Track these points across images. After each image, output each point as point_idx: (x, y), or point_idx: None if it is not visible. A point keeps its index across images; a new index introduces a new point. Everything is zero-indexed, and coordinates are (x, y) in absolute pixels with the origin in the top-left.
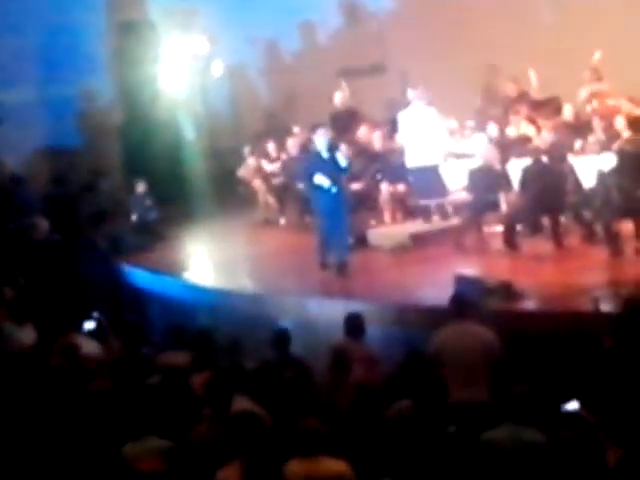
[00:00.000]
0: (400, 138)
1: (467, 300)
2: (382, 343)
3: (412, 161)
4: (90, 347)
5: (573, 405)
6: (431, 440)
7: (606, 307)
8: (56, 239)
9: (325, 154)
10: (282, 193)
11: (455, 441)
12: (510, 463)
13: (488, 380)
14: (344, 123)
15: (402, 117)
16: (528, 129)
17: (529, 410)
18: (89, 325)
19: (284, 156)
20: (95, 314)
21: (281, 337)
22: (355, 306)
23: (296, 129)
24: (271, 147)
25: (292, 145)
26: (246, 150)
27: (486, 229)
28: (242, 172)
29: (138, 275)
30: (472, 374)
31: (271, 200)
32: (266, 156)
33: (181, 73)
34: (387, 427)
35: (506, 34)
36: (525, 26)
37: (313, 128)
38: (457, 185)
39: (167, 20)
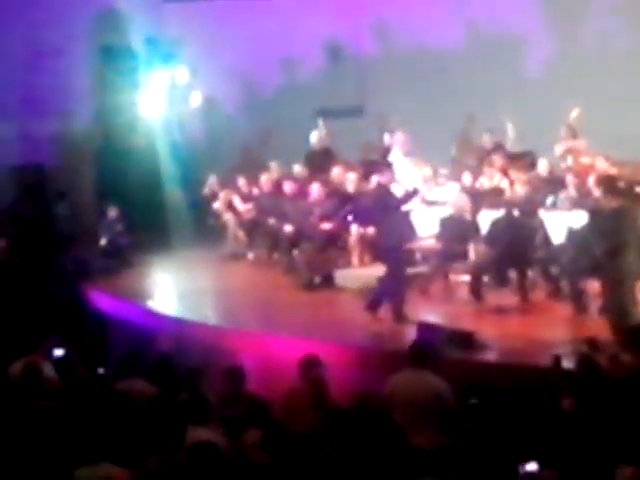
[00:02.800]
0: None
1: (426, 348)
2: (343, 386)
3: None
4: (51, 372)
5: (532, 466)
6: None
7: (567, 364)
8: (15, 260)
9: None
10: (252, 228)
11: None
12: None
13: (436, 429)
14: (319, 162)
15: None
16: (501, 181)
17: (457, 464)
18: (58, 352)
19: (255, 191)
20: (61, 343)
21: (234, 373)
22: (316, 346)
23: (273, 164)
24: (242, 182)
25: (265, 181)
26: (212, 181)
27: (453, 278)
28: (214, 205)
29: (103, 300)
30: (421, 422)
31: (240, 234)
32: (237, 191)
33: (160, 101)
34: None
35: (486, 85)
36: (506, 78)
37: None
38: (427, 232)
39: (149, 47)
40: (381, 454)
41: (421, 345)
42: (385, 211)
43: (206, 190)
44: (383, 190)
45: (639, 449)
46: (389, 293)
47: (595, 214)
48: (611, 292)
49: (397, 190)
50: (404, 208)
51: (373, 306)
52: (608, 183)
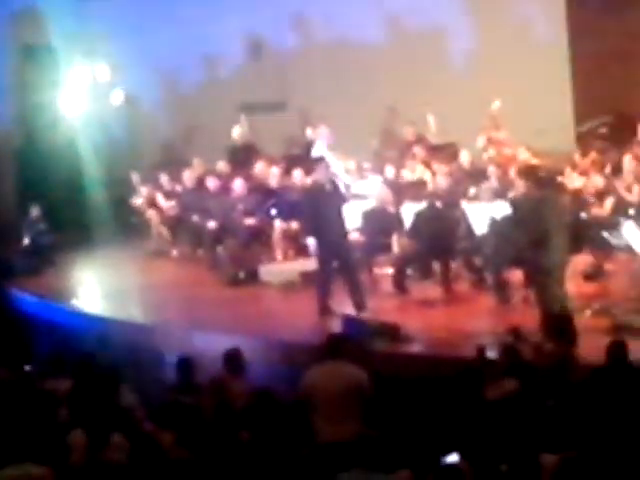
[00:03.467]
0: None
1: (345, 339)
2: (267, 380)
3: None
4: None
5: (453, 458)
6: None
7: (491, 354)
8: None
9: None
10: (175, 225)
11: None
12: None
13: (357, 420)
14: (242, 158)
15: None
16: (424, 173)
17: (380, 455)
18: None
19: (178, 188)
20: None
21: (185, 364)
22: (240, 341)
23: (196, 161)
24: (164, 179)
25: (188, 177)
26: (134, 178)
27: (377, 271)
28: (136, 202)
29: (26, 300)
30: (341, 413)
31: (164, 231)
32: (159, 188)
33: (81, 99)
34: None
35: (408, 77)
36: (427, 70)
37: (317, 161)
38: (350, 226)
39: (69, 45)
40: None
41: (338, 336)
42: (325, 207)
43: (129, 188)
44: (319, 187)
45: (562, 437)
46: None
47: (519, 204)
48: (537, 282)
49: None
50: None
51: (358, 305)
52: (531, 173)
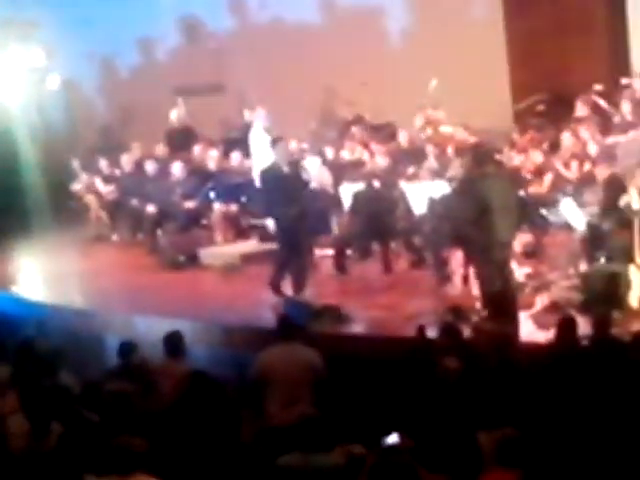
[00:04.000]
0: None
1: (294, 322)
2: (208, 364)
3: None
4: None
5: (393, 438)
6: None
7: (431, 333)
8: None
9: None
10: (115, 209)
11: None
12: None
13: (311, 401)
14: (179, 141)
15: (250, 138)
16: (362, 153)
17: (321, 436)
18: None
19: (117, 172)
20: None
21: (126, 348)
22: (182, 325)
23: (134, 145)
24: (103, 164)
25: (126, 161)
26: (75, 164)
27: (317, 252)
28: (75, 187)
29: None
30: (296, 395)
31: (103, 216)
32: (98, 172)
33: (17, 85)
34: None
35: (345, 57)
36: (365, 51)
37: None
38: None
39: (3, 31)
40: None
41: (288, 319)
42: (282, 188)
43: (67, 173)
44: (276, 168)
45: (499, 415)
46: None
47: (459, 182)
48: (478, 260)
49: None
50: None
51: (298, 286)
52: (474, 151)
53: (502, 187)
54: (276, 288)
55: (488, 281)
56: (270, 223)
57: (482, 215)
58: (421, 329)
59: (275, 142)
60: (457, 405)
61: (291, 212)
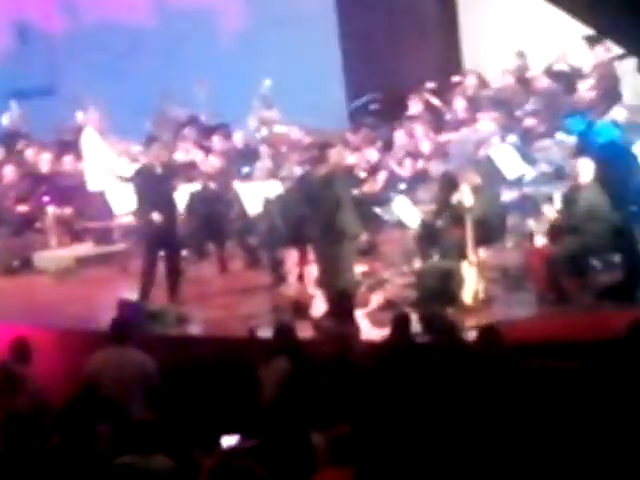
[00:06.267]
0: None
1: (127, 325)
2: (50, 368)
3: (90, 184)
4: None
5: (231, 439)
6: None
7: (265, 334)
8: None
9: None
10: None
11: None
12: None
13: (143, 405)
14: (12, 144)
15: (82, 141)
16: (196, 154)
17: (155, 438)
18: None
19: None
20: None
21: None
22: (17, 331)
23: None
24: None
25: None
26: None
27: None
28: None
29: None
30: (128, 398)
31: None
32: None
33: None
34: None
35: (179, 59)
36: (198, 52)
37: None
38: (125, 209)
39: None
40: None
41: (121, 322)
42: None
43: None
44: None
45: (334, 414)
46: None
47: (305, 183)
48: (323, 259)
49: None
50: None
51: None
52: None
53: (346, 186)
54: (145, 294)
55: (330, 280)
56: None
57: (333, 213)
58: (251, 330)
59: (149, 142)
60: (288, 405)
61: (161, 213)
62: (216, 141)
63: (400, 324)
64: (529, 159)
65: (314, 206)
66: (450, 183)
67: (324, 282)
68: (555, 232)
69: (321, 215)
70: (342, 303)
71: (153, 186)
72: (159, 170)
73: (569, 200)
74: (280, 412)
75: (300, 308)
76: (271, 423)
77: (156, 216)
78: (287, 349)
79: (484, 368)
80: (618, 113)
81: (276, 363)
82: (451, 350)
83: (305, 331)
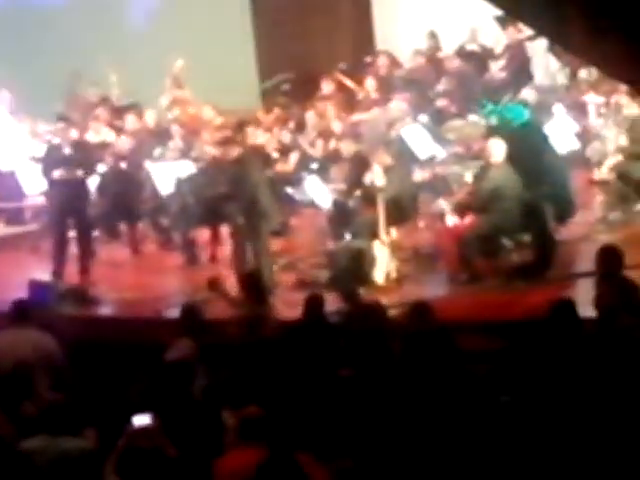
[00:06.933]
0: None
1: (27, 305)
2: None
3: (1, 165)
4: None
5: (142, 419)
6: None
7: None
8: None
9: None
10: None
11: None
12: (49, 472)
13: (49, 386)
14: None
15: None
16: (108, 134)
17: (64, 420)
18: None
19: None
20: None
21: None
22: None
23: None
24: None
25: None
26: None
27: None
28: None
29: None
30: (27, 380)
31: None
32: None
33: None
34: None
35: (90, 38)
36: (110, 32)
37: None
38: (35, 190)
39: None
40: None
41: (23, 302)
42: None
43: None
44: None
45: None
46: None
47: (217, 165)
48: (237, 238)
49: None
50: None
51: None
52: (222, 135)
53: (259, 166)
54: (57, 274)
55: (243, 259)
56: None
57: (250, 194)
58: (158, 311)
59: (60, 122)
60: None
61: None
62: (128, 121)
63: (313, 304)
64: (441, 139)
65: (232, 187)
66: (361, 163)
67: (237, 262)
68: (462, 210)
69: (242, 196)
70: (254, 283)
71: (59, 165)
72: (69, 150)
73: (479, 179)
74: (186, 392)
75: (219, 284)
76: (178, 403)
77: (65, 197)
78: (192, 330)
79: (414, 345)
80: (529, 94)
81: (181, 344)
82: (371, 329)
83: (218, 311)
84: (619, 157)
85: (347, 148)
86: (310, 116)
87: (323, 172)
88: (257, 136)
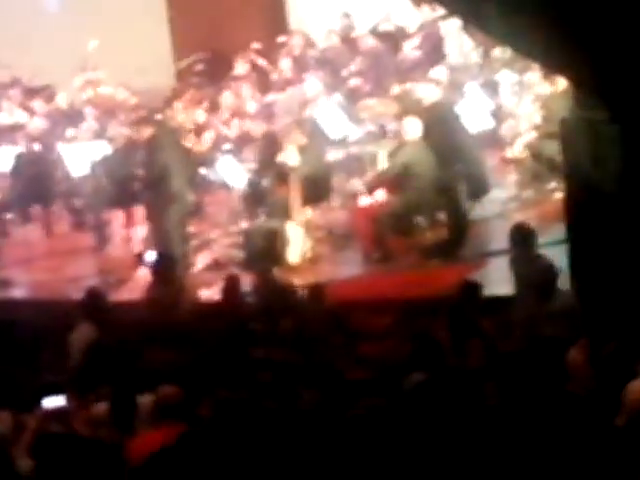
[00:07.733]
0: None
1: None
2: None
3: None
4: None
5: (55, 400)
6: None
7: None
8: None
9: None
10: None
11: None
12: None
13: None
14: None
15: None
16: (20, 116)
17: None
18: None
19: None
20: None
21: None
22: None
23: None
24: None
25: None
26: None
27: None
28: None
29: None
30: None
31: None
32: None
33: None
34: None
35: (2, 18)
36: (21, 13)
37: None
38: None
39: None
40: None
41: None
42: None
43: None
44: None
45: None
46: None
47: (131, 146)
48: (155, 219)
49: None
50: None
51: None
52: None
53: (175, 145)
54: None
55: (161, 239)
56: None
57: (162, 174)
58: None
59: None
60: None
61: None
62: (40, 103)
63: (230, 285)
64: (354, 119)
65: (144, 167)
66: (272, 143)
67: (150, 243)
68: (375, 189)
69: (151, 177)
70: (166, 264)
71: None
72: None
73: (392, 157)
74: (85, 376)
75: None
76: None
77: None
78: (93, 313)
79: (311, 325)
80: (442, 72)
81: (83, 327)
82: (284, 308)
83: (131, 292)
84: (533, 135)
85: (257, 128)
86: (224, 96)
87: (237, 152)
88: (172, 116)
